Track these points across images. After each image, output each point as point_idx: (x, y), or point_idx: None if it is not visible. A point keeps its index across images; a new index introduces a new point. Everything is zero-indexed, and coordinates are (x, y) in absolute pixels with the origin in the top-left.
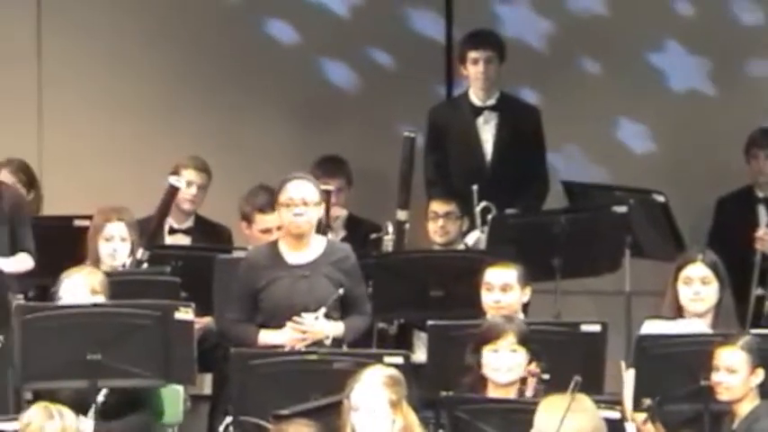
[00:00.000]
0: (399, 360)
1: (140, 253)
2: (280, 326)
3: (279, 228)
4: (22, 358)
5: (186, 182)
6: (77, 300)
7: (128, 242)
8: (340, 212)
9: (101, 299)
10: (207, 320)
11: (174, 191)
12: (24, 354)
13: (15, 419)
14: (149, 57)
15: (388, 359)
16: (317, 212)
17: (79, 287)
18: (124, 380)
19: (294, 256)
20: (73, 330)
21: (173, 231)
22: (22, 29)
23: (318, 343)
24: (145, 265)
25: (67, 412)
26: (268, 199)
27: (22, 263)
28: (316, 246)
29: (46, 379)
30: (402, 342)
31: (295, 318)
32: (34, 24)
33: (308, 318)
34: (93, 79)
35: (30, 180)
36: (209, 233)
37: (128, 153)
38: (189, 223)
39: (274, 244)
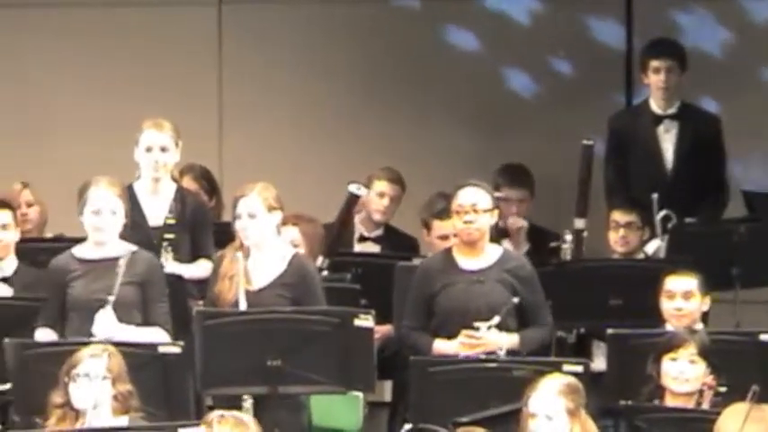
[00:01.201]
0: (579, 369)
1: (320, 260)
2: (453, 331)
3: (456, 235)
4: (203, 364)
5: (379, 193)
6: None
7: (300, 248)
8: (521, 224)
9: (278, 214)
10: (387, 328)
11: (353, 199)
12: (205, 359)
13: (197, 425)
14: (331, 62)
15: (567, 367)
16: (489, 219)
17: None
18: (304, 386)
19: (468, 262)
20: (253, 336)
21: (362, 239)
22: (203, 34)
23: (492, 353)
24: (324, 273)
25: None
26: (445, 205)
27: (202, 269)
28: (491, 253)
29: (226, 385)
30: (581, 351)
31: (464, 332)
32: (215, 29)
33: (481, 328)
34: (275, 85)
35: (211, 186)
36: (398, 242)
37: (309, 159)
38: (378, 232)
39: (449, 251)
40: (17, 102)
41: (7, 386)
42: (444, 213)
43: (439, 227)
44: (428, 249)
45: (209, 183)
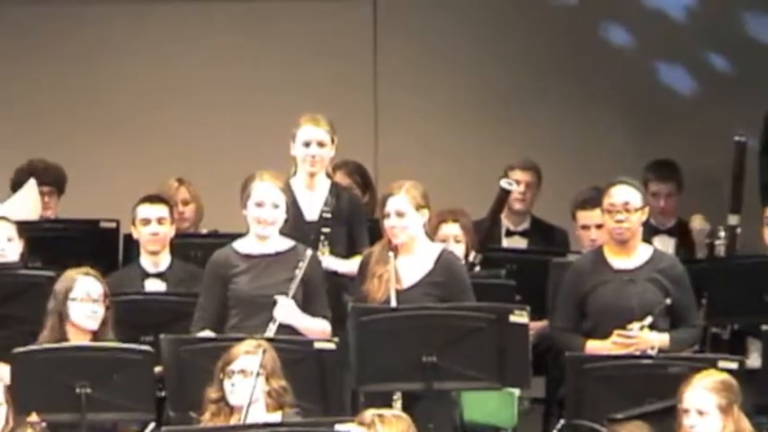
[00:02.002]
0: (734, 365)
1: (473, 256)
2: (605, 331)
3: (598, 226)
4: (358, 360)
5: (514, 181)
6: None
7: (462, 243)
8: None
9: (426, 213)
10: (541, 324)
11: (505, 194)
12: (360, 355)
13: (352, 421)
14: (485, 55)
15: (722, 364)
16: (640, 218)
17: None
18: (459, 383)
19: (619, 261)
20: (408, 332)
21: (509, 234)
22: (358, 28)
23: (644, 353)
24: (477, 269)
25: None
26: (589, 195)
27: (357, 264)
28: (642, 252)
29: (381, 381)
30: (735, 347)
31: (617, 332)
32: (371, 24)
33: (633, 328)
34: (431, 80)
35: (365, 182)
36: (546, 235)
37: (464, 154)
38: (525, 225)
39: (600, 250)
40: (171, 98)
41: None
42: (588, 204)
43: (582, 217)
44: (578, 244)
45: (362, 178)
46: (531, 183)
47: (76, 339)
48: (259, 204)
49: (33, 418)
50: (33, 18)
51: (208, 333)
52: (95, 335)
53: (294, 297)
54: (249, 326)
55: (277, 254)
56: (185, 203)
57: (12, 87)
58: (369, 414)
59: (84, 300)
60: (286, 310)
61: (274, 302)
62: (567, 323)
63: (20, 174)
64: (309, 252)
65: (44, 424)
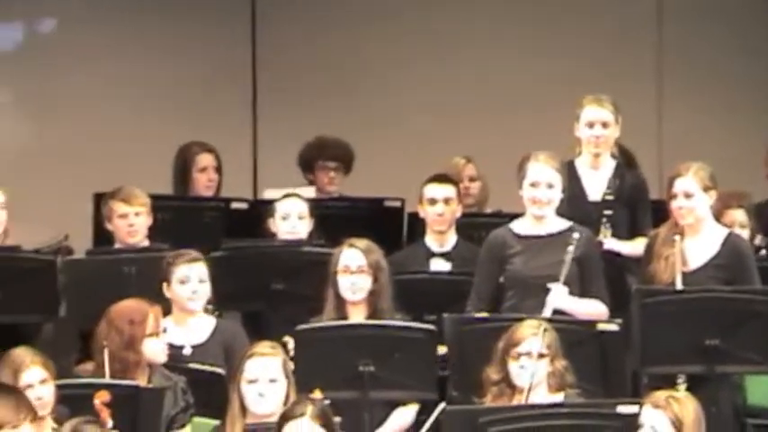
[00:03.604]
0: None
1: (758, 239)
2: None
3: None
4: (642, 341)
5: None
6: None
7: (746, 228)
8: None
9: (713, 194)
10: None
11: None
12: (644, 337)
13: (636, 403)
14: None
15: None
16: None
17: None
18: (742, 366)
19: None
20: (692, 315)
21: None
22: (641, 14)
23: None
24: (763, 252)
25: None
26: None
27: (640, 247)
28: None
29: (665, 363)
30: None
31: None
32: (653, 9)
33: None
34: (715, 64)
35: (627, 161)
36: None
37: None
38: None
39: None
40: (459, 77)
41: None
42: None
43: None
44: None
45: (624, 157)
46: None
47: (354, 315)
48: (534, 185)
49: (316, 394)
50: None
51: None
52: (369, 307)
53: (568, 279)
54: (526, 306)
55: (552, 235)
56: (471, 180)
57: (317, 60)
58: (662, 396)
59: (343, 272)
60: (560, 298)
61: (547, 290)
62: None
63: (309, 148)
64: (576, 235)
65: (327, 401)
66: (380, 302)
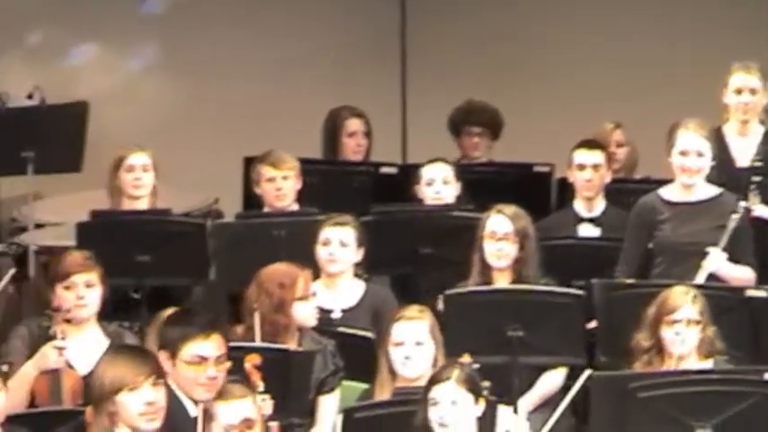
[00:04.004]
0: None
1: None
2: None
3: None
4: None
5: None
6: None
7: None
8: None
9: None
10: None
11: None
12: None
13: None
14: None
15: None
16: None
17: None
18: None
19: None
20: None
21: None
22: None
23: None
24: None
25: None
26: None
27: None
28: None
29: None
30: None
31: None
32: None
33: None
34: None
35: None
36: None
37: None
38: None
39: None
40: (605, 44)
41: (593, 324)
42: None
43: None
44: None
45: None
46: None
47: (499, 282)
48: (683, 153)
49: (465, 359)
50: None
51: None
52: (513, 274)
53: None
54: (675, 273)
55: (702, 202)
56: (619, 146)
57: (466, 27)
58: None
59: (489, 237)
60: (718, 262)
61: (704, 254)
62: None
63: (456, 113)
64: (743, 204)
65: (476, 366)
66: (526, 270)
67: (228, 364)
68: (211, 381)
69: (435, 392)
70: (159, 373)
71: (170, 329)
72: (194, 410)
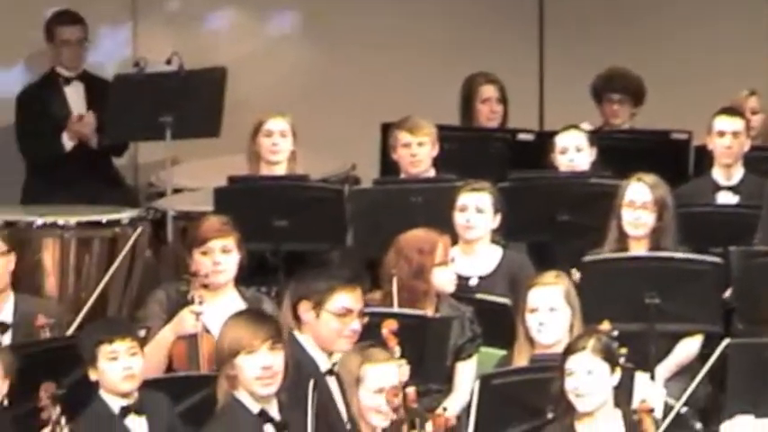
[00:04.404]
0: None
1: None
2: None
3: None
4: None
5: None
6: None
7: None
8: None
9: None
10: None
11: None
12: None
13: None
14: None
15: None
16: None
17: None
18: None
19: None
20: None
21: None
22: None
23: None
24: None
25: None
26: None
27: None
28: None
29: None
30: None
31: None
32: None
33: None
34: None
35: None
36: None
37: None
38: None
39: None
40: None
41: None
42: None
43: None
44: None
45: None
46: None
47: (635, 251)
48: None
49: (605, 326)
50: None
51: None
52: (650, 243)
53: None
54: None
55: None
56: (753, 113)
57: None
58: None
59: (628, 206)
60: None
61: None
62: None
63: (598, 80)
64: None
65: (615, 333)
66: (663, 240)
67: (366, 320)
68: (354, 333)
69: (571, 362)
70: (277, 338)
71: (315, 281)
72: (325, 365)
